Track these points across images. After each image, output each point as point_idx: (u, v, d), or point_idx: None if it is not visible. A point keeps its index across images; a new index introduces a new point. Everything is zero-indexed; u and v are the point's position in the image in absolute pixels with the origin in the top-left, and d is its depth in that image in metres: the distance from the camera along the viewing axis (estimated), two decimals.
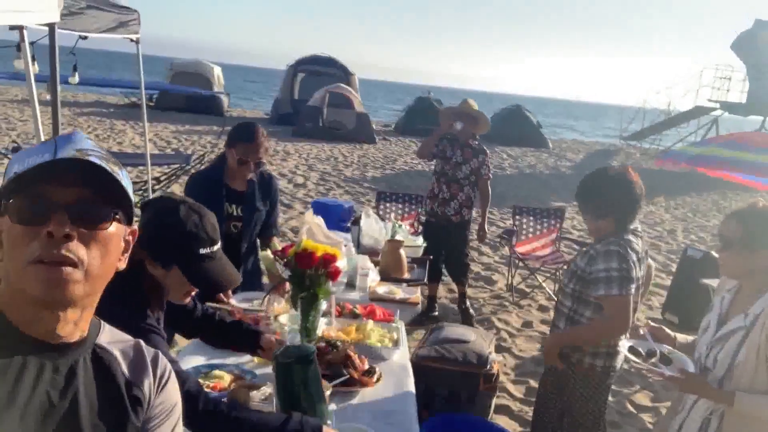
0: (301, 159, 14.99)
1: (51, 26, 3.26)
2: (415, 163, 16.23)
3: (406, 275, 4.26)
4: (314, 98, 19.30)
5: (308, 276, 2.64)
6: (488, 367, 2.93)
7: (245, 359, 2.67)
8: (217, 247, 1.84)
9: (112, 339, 1.18)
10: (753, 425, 2.17)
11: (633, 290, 2.69)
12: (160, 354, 1.24)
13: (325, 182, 12.33)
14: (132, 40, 5.98)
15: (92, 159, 1.03)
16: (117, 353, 1.16)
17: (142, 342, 1.23)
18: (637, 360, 2.43)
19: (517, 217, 7.14)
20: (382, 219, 5.43)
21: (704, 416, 2.30)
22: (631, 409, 4.53)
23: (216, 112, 22.13)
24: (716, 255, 2.91)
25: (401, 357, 2.84)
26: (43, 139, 3.00)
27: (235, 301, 3.13)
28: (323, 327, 2.90)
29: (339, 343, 2.55)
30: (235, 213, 3.36)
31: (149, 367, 1.19)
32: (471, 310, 5.93)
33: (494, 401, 4.36)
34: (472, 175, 5.59)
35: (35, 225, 1.00)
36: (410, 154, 18.03)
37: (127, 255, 1.15)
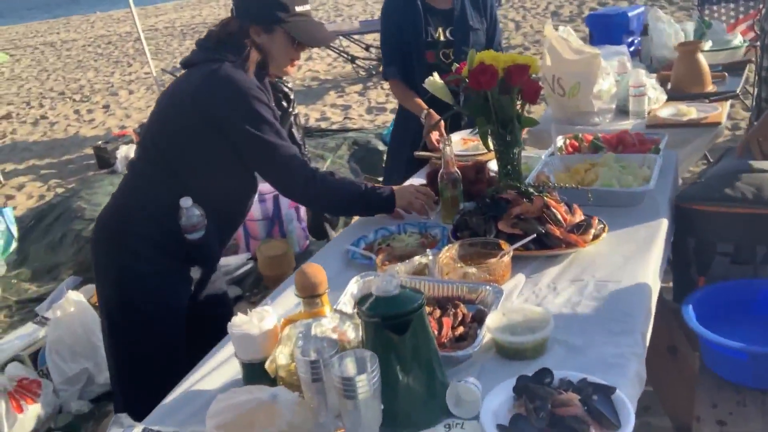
0: None
1: None
2: None
3: (710, 88, 3.12)
4: None
5: (493, 100, 1.88)
6: None
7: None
8: (309, 7, 1.94)
9: None
10: None
11: None
12: None
13: None
14: None
15: None
16: None
17: None
18: None
19: None
20: None
21: None
22: None
23: None
24: None
25: (653, 202, 1.95)
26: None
27: None
28: (541, 171, 2.13)
29: (536, 190, 1.79)
30: (442, 37, 2.67)
31: None
32: None
33: None
34: None
35: None
36: None
37: None
